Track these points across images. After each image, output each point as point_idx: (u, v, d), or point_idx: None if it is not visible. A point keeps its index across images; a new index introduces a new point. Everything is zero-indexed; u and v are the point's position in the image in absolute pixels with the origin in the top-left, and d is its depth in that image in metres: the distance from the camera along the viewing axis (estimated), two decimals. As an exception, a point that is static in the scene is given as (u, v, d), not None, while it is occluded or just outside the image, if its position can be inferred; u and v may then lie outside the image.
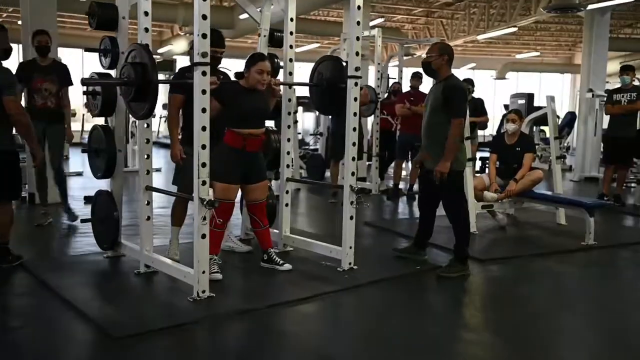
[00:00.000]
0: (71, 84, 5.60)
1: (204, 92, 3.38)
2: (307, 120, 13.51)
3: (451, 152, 4.09)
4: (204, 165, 3.41)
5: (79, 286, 3.75)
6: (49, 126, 5.39)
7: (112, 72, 4.17)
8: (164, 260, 3.86)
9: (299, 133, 10.63)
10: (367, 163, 9.29)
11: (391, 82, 9.40)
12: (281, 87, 4.41)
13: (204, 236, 3.46)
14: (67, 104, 5.59)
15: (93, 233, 4.51)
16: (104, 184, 4.54)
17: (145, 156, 4.02)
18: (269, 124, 5.43)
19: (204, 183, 3.42)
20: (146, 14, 3.90)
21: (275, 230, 4.80)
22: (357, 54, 4.10)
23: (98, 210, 4.42)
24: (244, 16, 4.74)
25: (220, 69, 4.33)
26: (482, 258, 4.65)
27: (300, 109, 10.69)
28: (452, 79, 4.23)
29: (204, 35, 3.33)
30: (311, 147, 11.72)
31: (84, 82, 3.43)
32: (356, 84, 4.12)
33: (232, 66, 4.45)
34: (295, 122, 8.87)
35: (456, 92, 4.15)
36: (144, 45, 3.55)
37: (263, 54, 4.09)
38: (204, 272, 3.48)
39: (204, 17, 3.32)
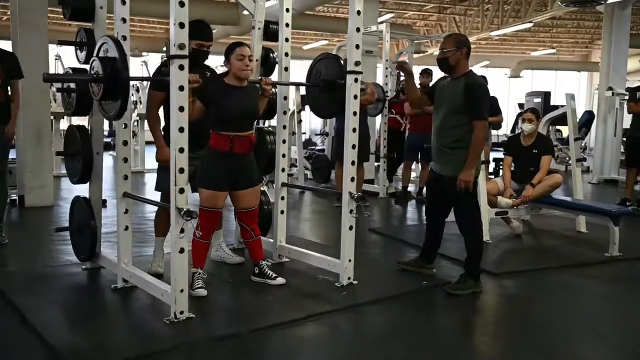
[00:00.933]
0: (20, 75, 4.88)
1: (181, 88, 3.00)
2: (314, 119, 13.12)
3: (475, 158, 3.69)
4: (181, 171, 3.03)
5: (48, 305, 3.38)
6: None
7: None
8: (142, 276, 3.48)
9: (304, 133, 10.24)
10: (375, 164, 8.91)
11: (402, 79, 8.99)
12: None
13: (182, 250, 3.08)
14: (15, 99, 4.86)
15: (71, 243, 4.16)
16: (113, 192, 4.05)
17: (123, 159, 3.65)
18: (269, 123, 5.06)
19: (181, 191, 3.05)
20: (123, 2, 3.53)
21: (269, 240, 4.42)
22: (357, 46, 3.69)
23: (75, 218, 4.07)
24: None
25: (207, 65, 3.95)
26: (495, 272, 4.24)
27: (307, 107, 10.32)
28: (472, 75, 3.81)
29: (181, 25, 2.95)
30: (318, 148, 11.33)
31: (47, 78, 3.06)
32: (356, 80, 3.71)
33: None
34: (300, 121, 8.58)
35: (480, 91, 3.74)
36: (114, 38, 3.17)
37: (240, 41, 3.71)
38: (182, 290, 3.10)
39: (181, 4, 2.94)
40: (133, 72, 3.10)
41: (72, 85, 3.72)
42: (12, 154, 7.26)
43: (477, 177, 3.88)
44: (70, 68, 3.73)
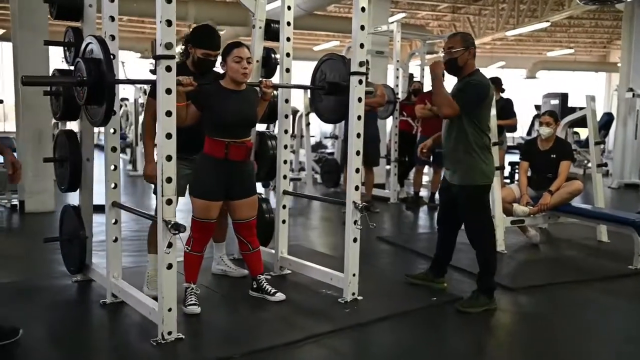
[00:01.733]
0: None
1: (168, 91, 2.76)
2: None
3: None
4: (169, 180, 2.80)
5: (31, 322, 3.14)
6: None
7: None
8: (130, 291, 3.26)
9: (313, 136, 10.00)
10: (386, 168, 8.66)
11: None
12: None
13: (169, 266, 2.85)
14: None
15: (61, 253, 3.95)
16: (122, 196, 3.79)
17: (112, 167, 3.44)
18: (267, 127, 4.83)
19: (169, 202, 2.81)
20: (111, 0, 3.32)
21: (271, 251, 4.19)
22: (361, 46, 3.44)
23: (65, 228, 3.85)
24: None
25: (215, 72, 3.70)
26: (511, 286, 3.96)
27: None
28: (477, 75, 3.53)
29: (168, 22, 2.71)
30: (328, 151, 11.09)
31: (26, 81, 2.84)
32: (360, 82, 3.46)
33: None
34: (308, 124, 8.34)
35: (474, 88, 3.45)
36: (99, 38, 2.95)
37: (239, 41, 3.46)
38: (170, 309, 2.87)
39: (168, 0, 2.70)
40: (143, 76, 2.86)
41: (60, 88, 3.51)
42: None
43: (489, 185, 3.61)
44: (57, 70, 3.52)
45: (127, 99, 12.93)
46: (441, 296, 3.72)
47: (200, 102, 3.25)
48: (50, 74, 3.52)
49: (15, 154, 6.71)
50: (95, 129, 3.51)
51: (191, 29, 3.63)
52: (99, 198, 3.57)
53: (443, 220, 3.85)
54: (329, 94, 3.77)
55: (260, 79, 3.80)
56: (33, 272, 4.30)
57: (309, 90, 8.01)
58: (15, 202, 6.70)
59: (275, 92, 4.08)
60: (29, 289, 3.76)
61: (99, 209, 3.58)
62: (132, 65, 10.60)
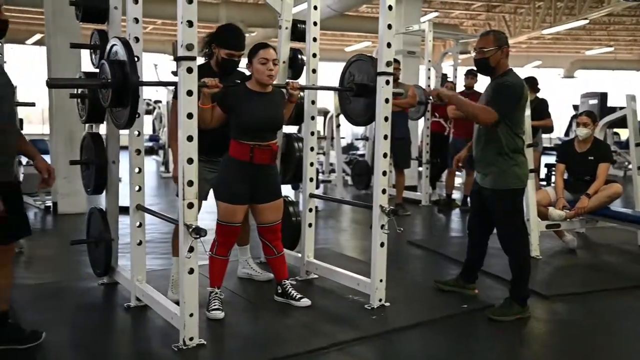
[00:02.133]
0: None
1: (189, 93, 2.72)
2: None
3: (461, 104, 3.39)
4: (190, 183, 2.76)
5: (55, 324, 3.15)
6: None
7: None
8: (153, 295, 3.23)
9: (343, 137, 9.91)
10: (418, 170, 8.52)
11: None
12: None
13: (191, 271, 2.80)
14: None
15: (88, 256, 3.95)
16: (152, 197, 3.80)
17: (137, 170, 3.41)
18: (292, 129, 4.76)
19: (190, 205, 2.77)
20: (136, 1, 3.30)
21: (297, 255, 4.12)
22: (388, 45, 3.34)
23: (91, 230, 3.86)
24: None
25: (240, 72, 3.66)
26: (545, 294, 3.80)
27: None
28: (510, 75, 3.38)
29: (189, 23, 2.67)
30: (359, 153, 10.98)
31: (50, 83, 2.83)
32: (387, 82, 3.36)
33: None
34: (338, 125, 8.26)
35: (507, 87, 3.30)
36: (123, 39, 2.93)
37: (265, 42, 3.40)
38: (191, 315, 2.82)
39: (189, 0, 2.66)
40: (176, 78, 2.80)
41: (86, 91, 3.51)
42: (46, 160, 7.26)
43: (523, 189, 3.47)
44: (83, 72, 3.53)
45: (160, 102, 13.06)
46: (472, 303, 3.59)
47: (226, 105, 3.20)
48: (78, 77, 3.52)
49: (48, 156, 6.85)
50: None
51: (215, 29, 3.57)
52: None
53: (474, 224, 3.72)
54: (357, 95, 3.68)
55: (287, 80, 3.74)
56: (61, 274, 4.32)
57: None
58: (49, 203, 6.79)
59: (301, 93, 4.02)
60: (56, 290, 3.77)
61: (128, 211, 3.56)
62: (165, 67, 10.68)
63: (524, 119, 3.48)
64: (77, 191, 6.64)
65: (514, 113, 3.34)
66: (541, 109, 6.43)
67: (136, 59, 3.29)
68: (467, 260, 3.79)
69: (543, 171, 8.85)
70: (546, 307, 3.66)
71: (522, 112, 3.43)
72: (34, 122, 18.69)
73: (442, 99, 3.50)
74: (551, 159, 8.74)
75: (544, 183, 8.74)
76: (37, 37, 15.31)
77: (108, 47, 3.04)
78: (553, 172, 7.24)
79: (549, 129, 6.82)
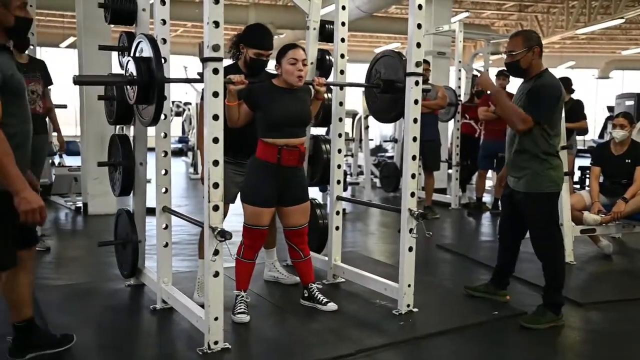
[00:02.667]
0: (52, 83, 4.82)
1: (215, 94, 2.69)
2: (385, 124, 12.66)
3: (502, 102, 3.32)
4: (215, 186, 2.73)
5: (81, 325, 3.15)
6: (35, 137, 4.60)
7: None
8: (179, 297, 3.21)
9: (372, 139, 9.83)
10: (447, 172, 8.40)
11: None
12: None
13: (216, 274, 2.77)
14: (53, 107, 4.90)
15: (116, 257, 3.96)
16: (181, 199, 3.76)
17: (163, 171, 3.40)
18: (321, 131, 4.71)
19: (216, 208, 2.74)
20: (163, 3, 3.30)
21: (324, 258, 4.07)
22: (418, 45, 3.27)
23: (119, 231, 3.87)
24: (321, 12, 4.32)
25: (268, 72, 3.64)
26: (580, 301, 3.68)
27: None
28: (545, 75, 3.26)
29: (215, 24, 2.64)
30: (388, 155, 10.88)
31: (77, 80, 2.84)
32: (417, 83, 3.29)
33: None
34: (367, 127, 8.19)
35: (545, 90, 3.19)
36: (149, 36, 2.92)
37: (294, 43, 3.36)
38: (216, 318, 2.79)
39: (216, 1, 2.63)
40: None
41: (114, 92, 3.51)
42: (77, 162, 7.36)
43: (558, 193, 3.36)
44: (112, 74, 3.53)
45: (189, 103, 13.16)
46: (503, 310, 3.49)
47: (252, 101, 3.17)
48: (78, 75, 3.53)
49: (79, 157, 6.94)
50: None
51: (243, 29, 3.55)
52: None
53: (505, 229, 3.62)
54: (384, 92, 3.62)
55: (314, 77, 3.70)
56: (89, 275, 4.35)
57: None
58: (80, 204, 6.87)
59: (329, 95, 3.97)
60: (84, 291, 3.79)
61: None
62: (195, 69, 10.73)
63: (560, 121, 3.37)
64: (107, 192, 6.64)
65: (551, 116, 3.24)
66: (576, 111, 6.27)
67: (163, 60, 3.31)
68: (498, 265, 3.69)
69: (577, 174, 8.64)
70: (580, 315, 3.55)
71: (559, 114, 3.33)
72: (69, 123, 19.00)
73: (486, 89, 3.38)
74: (585, 162, 8.54)
75: (578, 186, 8.53)
76: (71, 40, 15.56)
77: (134, 44, 3.04)
78: (587, 176, 7.04)
79: (584, 131, 6.65)
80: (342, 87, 3.87)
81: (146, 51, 2.87)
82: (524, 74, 3.31)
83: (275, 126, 3.19)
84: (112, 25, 4.86)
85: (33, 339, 2.69)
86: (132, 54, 3.01)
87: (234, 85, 2.99)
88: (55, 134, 5.57)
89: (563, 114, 4.24)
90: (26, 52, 4.67)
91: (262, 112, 3.19)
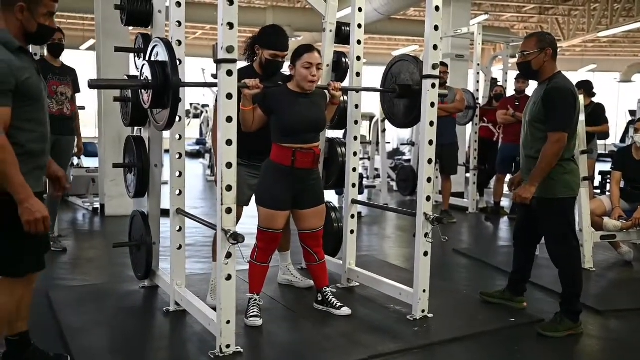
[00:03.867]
0: (80, 91, 5.05)
1: (229, 96, 2.68)
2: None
3: (539, 175, 3.14)
4: (229, 188, 2.71)
5: (93, 327, 3.16)
6: (62, 138, 4.72)
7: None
8: (192, 300, 3.20)
9: (389, 142, 9.77)
10: (465, 176, 8.32)
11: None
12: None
13: (229, 277, 2.75)
14: (78, 113, 5.05)
15: (130, 259, 3.97)
16: (197, 201, 3.72)
17: (177, 173, 3.40)
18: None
19: (229, 211, 2.72)
20: (178, 4, 3.30)
21: (339, 262, 4.03)
22: (434, 47, 3.23)
23: (134, 233, 3.87)
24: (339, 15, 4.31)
25: (284, 74, 3.62)
26: (599, 309, 3.60)
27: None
28: (558, 78, 3.20)
29: (230, 25, 2.63)
30: (405, 158, 10.82)
31: (92, 84, 2.84)
32: (433, 86, 3.25)
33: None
34: (384, 130, 8.15)
35: (560, 96, 3.13)
36: (165, 40, 2.91)
37: (310, 44, 3.32)
38: (228, 322, 2.77)
39: (230, 2, 2.62)
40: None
41: (129, 94, 3.52)
42: (95, 163, 7.42)
43: (574, 199, 3.29)
44: (127, 76, 3.54)
45: (207, 106, 13.20)
46: (520, 317, 3.43)
47: (267, 106, 3.15)
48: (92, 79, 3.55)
49: (97, 158, 6.98)
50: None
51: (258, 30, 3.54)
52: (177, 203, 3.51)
53: (521, 234, 3.56)
54: (400, 97, 3.58)
55: (329, 82, 3.67)
56: (104, 276, 4.37)
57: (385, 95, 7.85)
58: (97, 205, 6.91)
59: (345, 97, 3.95)
60: (98, 292, 3.79)
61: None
62: (212, 71, 10.77)
63: (577, 124, 3.30)
64: (124, 193, 6.63)
65: (572, 123, 3.18)
66: (598, 115, 6.18)
67: (179, 62, 3.31)
68: (514, 271, 3.63)
69: (597, 179, 8.50)
70: (599, 323, 3.47)
71: (577, 118, 3.27)
72: (88, 125, 19.20)
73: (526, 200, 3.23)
74: (606, 166, 8.41)
75: (599, 191, 8.39)
76: (90, 42, 15.71)
77: (150, 48, 3.04)
78: (608, 181, 6.93)
79: (605, 135, 6.54)
80: (357, 91, 3.84)
81: (161, 55, 2.87)
82: (536, 75, 3.27)
83: (290, 131, 3.16)
84: (130, 28, 4.92)
85: (25, 356, 2.55)
86: (147, 58, 3.01)
87: (249, 89, 2.97)
88: None
89: (582, 118, 4.20)
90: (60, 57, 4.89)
91: (277, 117, 3.17)
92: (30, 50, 2.45)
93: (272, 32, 3.50)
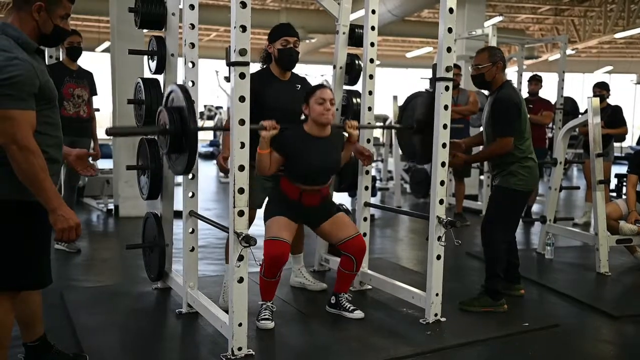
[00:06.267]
0: (97, 94, 5.12)
1: (242, 99, 2.68)
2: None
3: (477, 159, 3.94)
4: (241, 191, 2.71)
5: (106, 328, 3.18)
6: (78, 140, 4.78)
7: (160, 77, 3.63)
8: (204, 302, 3.20)
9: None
10: (479, 178, 8.28)
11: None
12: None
13: (241, 280, 2.75)
14: (94, 116, 5.11)
15: (143, 260, 3.98)
16: (210, 202, 3.74)
17: (190, 176, 3.41)
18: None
19: (241, 213, 2.72)
20: (192, 7, 3.31)
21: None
22: (448, 50, 3.21)
23: (147, 235, 3.88)
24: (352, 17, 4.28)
25: (299, 75, 3.64)
26: (614, 314, 3.55)
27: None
28: (504, 88, 3.56)
29: (242, 28, 2.63)
30: (419, 160, 10.76)
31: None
32: (447, 88, 3.23)
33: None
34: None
35: (503, 106, 3.49)
36: (182, 86, 2.96)
37: (322, 84, 3.37)
38: (240, 324, 2.77)
39: (243, 4, 2.62)
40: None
41: (142, 97, 3.54)
42: (109, 164, 7.46)
43: (525, 193, 3.57)
44: (141, 78, 3.56)
45: (221, 107, 13.26)
46: (534, 322, 3.39)
47: (284, 151, 3.16)
48: (135, 83, 3.57)
49: (111, 160, 7.03)
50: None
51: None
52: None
53: None
54: (417, 132, 3.58)
55: (342, 119, 3.68)
56: (117, 277, 4.40)
57: (398, 98, 7.81)
58: (111, 206, 6.95)
59: (357, 99, 3.95)
60: (111, 294, 3.81)
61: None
62: (226, 73, 10.82)
63: (526, 125, 3.57)
64: (138, 195, 6.70)
65: (518, 127, 3.50)
66: (615, 117, 6.11)
67: (191, 64, 3.34)
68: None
69: (613, 182, 8.41)
70: (615, 328, 3.43)
71: (524, 121, 3.55)
72: (103, 127, 19.39)
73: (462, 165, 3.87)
74: (622, 169, 8.31)
75: (615, 195, 8.30)
76: (106, 44, 15.83)
77: (166, 94, 3.08)
78: (624, 184, 6.84)
79: (622, 137, 6.47)
80: (370, 128, 3.87)
81: (177, 101, 2.91)
82: (489, 85, 3.63)
83: (300, 176, 3.22)
84: (145, 30, 4.93)
85: (46, 358, 2.56)
86: (164, 104, 3.05)
87: (266, 130, 2.98)
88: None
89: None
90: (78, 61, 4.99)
91: (294, 161, 3.20)
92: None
93: (277, 26, 3.58)
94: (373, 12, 3.81)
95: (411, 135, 3.68)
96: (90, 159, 2.72)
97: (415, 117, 3.60)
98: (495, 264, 3.55)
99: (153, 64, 3.59)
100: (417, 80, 15.49)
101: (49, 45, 2.44)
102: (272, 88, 3.42)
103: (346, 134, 3.39)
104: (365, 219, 3.93)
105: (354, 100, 4.03)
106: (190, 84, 3.32)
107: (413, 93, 3.78)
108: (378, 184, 8.55)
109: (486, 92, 6.80)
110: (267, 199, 3.44)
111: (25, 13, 2.19)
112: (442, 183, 3.29)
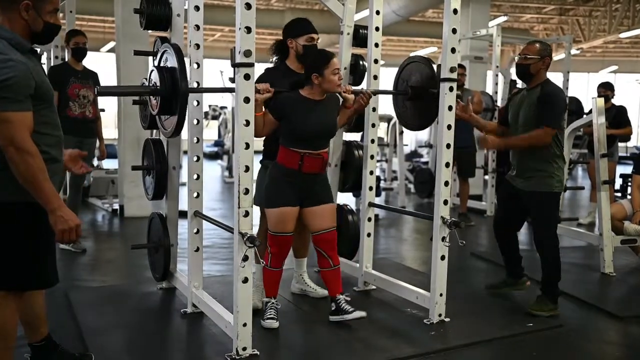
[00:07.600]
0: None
1: (246, 100, 2.69)
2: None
3: (513, 143, 3.60)
4: (246, 192, 2.72)
5: (111, 328, 3.20)
6: (84, 140, 4.84)
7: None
8: (208, 302, 3.21)
9: (407, 144, 9.73)
10: (484, 178, 8.27)
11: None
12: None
13: (245, 280, 2.76)
14: (100, 116, 5.14)
15: (148, 260, 4.00)
16: (215, 202, 3.71)
17: (195, 176, 3.42)
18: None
19: (246, 214, 2.73)
20: (197, 8, 3.32)
21: (355, 264, 4.02)
22: (452, 50, 3.22)
23: (152, 235, 3.90)
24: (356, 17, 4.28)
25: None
26: (620, 314, 3.55)
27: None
28: (550, 84, 3.53)
29: (247, 29, 2.64)
30: (423, 160, 10.76)
31: (100, 91, 2.87)
32: (451, 89, 3.24)
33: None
34: (401, 132, 8.12)
35: (557, 98, 3.48)
36: (175, 46, 2.94)
37: (330, 52, 3.31)
38: (245, 324, 2.78)
39: (248, 6, 2.63)
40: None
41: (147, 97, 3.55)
42: (114, 164, 7.49)
43: (559, 194, 3.56)
44: (145, 79, 3.57)
45: (225, 107, 13.28)
46: (538, 323, 3.39)
47: (279, 113, 3.14)
48: (140, 84, 3.59)
49: (117, 160, 7.05)
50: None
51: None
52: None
53: (501, 224, 3.83)
54: (412, 99, 3.58)
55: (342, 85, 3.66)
56: (122, 277, 4.42)
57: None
58: (116, 206, 6.97)
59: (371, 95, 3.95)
60: (116, 293, 3.83)
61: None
62: (231, 74, 10.83)
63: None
64: (143, 195, 6.73)
65: (563, 122, 3.55)
66: (620, 117, 6.10)
67: (196, 65, 3.34)
68: (507, 260, 3.90)
69: (618, 182, 8.40)
70: (620, 329, 3.43)
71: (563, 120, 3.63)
72: (108, 127, 19.42)
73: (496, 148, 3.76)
74: (627, 169, 8.29)
75: (619, 195, 8.28)
76: (111, 45, 15.88)
77: (159, 54, 3.07)
78: (629, 184, 6.82)
79: (627, 138, 6.46)
80: (375, 93, 3.82)
81: (170, 61, 2.89)
82: (529, 78, 3.56)
83: (302, 139, 3.16)
84: (150, 31, 4.95)
85: (54, 357, 2.57)
86: (156, 64, 3.04)
87: (260, 94, 2.98)
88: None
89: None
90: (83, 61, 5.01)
91: (289, 124, 3.15)
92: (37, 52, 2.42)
93: (298, 20, 3.56)
94: (377, 13, 3.81)
95: (405, 102, 3.68)
96: (95, 158, 2.74)
97: (409, 83, 3.59)
98: (556, 269, 3.51)
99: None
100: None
101: (42, 43, 2.42)
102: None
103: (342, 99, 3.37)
104: (369, 219, 3.94)
105: (361, 62, 3.99)
106: (195, 84, 3.33)
107: (406, 59, 3.79)
108: (382, 184, 8.55)
109: (485, 92, 6.78)
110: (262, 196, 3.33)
111: (13, 13, 2.15)
112: (446, 183, 3.29)
